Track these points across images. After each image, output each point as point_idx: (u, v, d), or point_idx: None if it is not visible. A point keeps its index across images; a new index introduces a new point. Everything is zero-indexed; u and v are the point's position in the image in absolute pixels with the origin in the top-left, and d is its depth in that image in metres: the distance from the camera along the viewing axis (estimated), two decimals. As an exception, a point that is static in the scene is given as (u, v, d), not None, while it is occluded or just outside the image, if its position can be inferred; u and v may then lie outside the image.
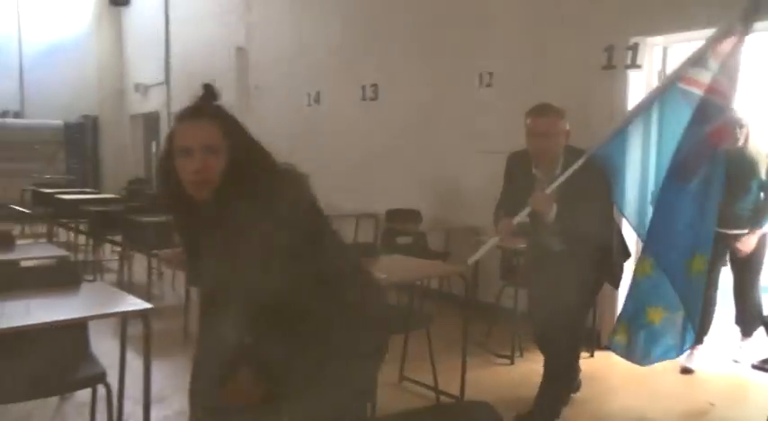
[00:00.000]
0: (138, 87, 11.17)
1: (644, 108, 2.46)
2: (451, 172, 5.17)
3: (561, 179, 2.56)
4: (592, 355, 3.90)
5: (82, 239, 6.55)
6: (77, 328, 2.28)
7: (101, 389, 2.30)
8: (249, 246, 1.38)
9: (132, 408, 2.57)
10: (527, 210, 2.63)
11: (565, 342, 2.90)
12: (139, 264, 5.43)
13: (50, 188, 8.07)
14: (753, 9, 2.15)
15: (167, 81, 10.24)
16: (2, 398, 2.11)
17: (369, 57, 6.01)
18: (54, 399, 3.05)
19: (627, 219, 2.58)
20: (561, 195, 2.61)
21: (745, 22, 2.18)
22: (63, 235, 6.91)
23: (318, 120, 6.69)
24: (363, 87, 5.99)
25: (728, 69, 2.21)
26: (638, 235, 2.58)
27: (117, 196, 7.75)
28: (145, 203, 6.33)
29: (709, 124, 2.23)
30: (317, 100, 6.69)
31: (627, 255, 3.01)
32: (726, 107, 2.30)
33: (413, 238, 4.98)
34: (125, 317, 2.25)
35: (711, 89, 2.23)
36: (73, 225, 6.67)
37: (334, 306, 1.44)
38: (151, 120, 11.21)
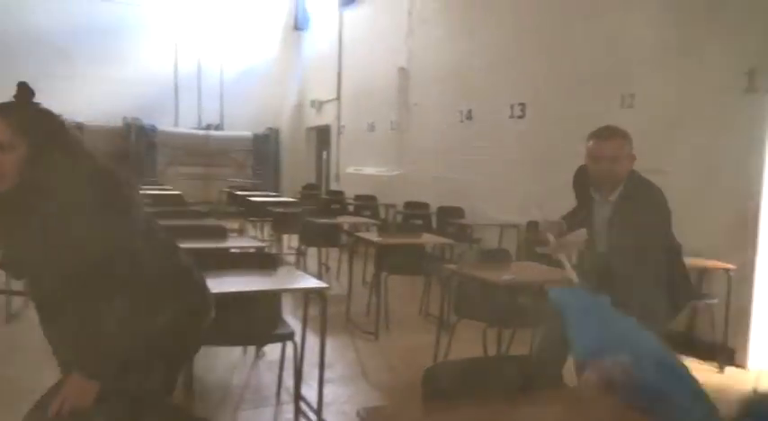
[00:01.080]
0: (313, 103, 12.54)
1: None
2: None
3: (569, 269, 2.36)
4: (721, 371, 4.00)
5: (266, 235, 7.79)
6: (274, 298, 3.09)
7: (288, 350, 3.10)
8: (37, 236, 1.50)
9: (308, 369, 3.34)
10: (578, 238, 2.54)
11: None
12: (311, 258, 6.41)
13: (241, 190, 9.57)
14: None
15: (339, 97, 11.42)
16: (226, 341, 3.02)
17: (517, 77, 6.44)
18: (251, 357, 3.98)
19: None
20: (615, 228, 2.53)
21: None
22: (251, 230, 8.25)
23: (469, 135, 7.25)
24: (512, 106, 6.44)
25: None
26: None
27: (294, 199, 8.97)
28: (317, 206, 7.37)
29: None
30: (469, 117, 7.26)
31: (691, 295, 2.86)
32: None
33: (551, 248, 5.33)
34: (307, 293, 3.02)
35: None
36: (259, 222, 7.98)
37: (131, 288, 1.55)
38: (323, 133, 12.52)
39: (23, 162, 1.52)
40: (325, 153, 12.49)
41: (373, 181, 9.51)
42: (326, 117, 12.03)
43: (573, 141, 5.70)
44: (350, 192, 9.51)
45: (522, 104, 6.32)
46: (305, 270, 6.31)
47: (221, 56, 12.86)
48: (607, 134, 2.61)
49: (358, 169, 10.36)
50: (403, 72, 8.88)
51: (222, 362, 3.85)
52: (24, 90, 1.59)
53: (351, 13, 10.93)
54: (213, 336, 2.90)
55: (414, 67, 8.70)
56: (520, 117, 6.37)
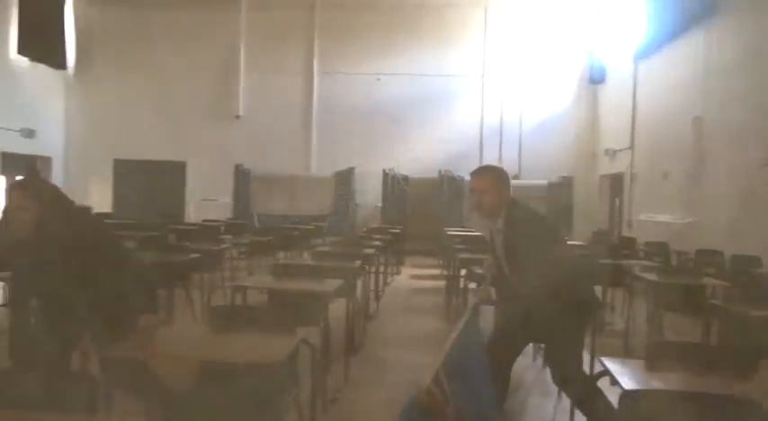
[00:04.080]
0: (607, 151, 13.01)
1: None
2: None
3: None
4: None
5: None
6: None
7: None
8: (50, 262, 2.51)
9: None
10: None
11: (564, 385, 3.02)
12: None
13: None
14: None
15: (632, 146, 11.74)
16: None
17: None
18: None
19: None
20: (507, 252, 2.93)
21: None
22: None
23: (769, 183, 7.09)
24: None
25: None
26: None
27: (584, 243, 9.60)
28: (607, 251, 7.98)
29: None
30: (769, 164, 7.11)
31: (597, 303, 3.12)
32: None
33: None
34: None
35: None
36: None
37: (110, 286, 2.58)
38: (616, 180, 12.84)
39: (34, 217, 2.54)
40: (617, 199, 12.77)
41: (665, 228, 9.60)
42: (620, 165, 12.38)
43: None
44: (642, 239, 9.73)
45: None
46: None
47: (521, 110, 14.31)
48: (477, 171, 3.09)
49: (650, 216, 10.50)
50: (697, 120, 8.95)
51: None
52: (32, 168, 3.19)
53: (646, 65, 11.28)
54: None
55: (710, 114, 8.72)
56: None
